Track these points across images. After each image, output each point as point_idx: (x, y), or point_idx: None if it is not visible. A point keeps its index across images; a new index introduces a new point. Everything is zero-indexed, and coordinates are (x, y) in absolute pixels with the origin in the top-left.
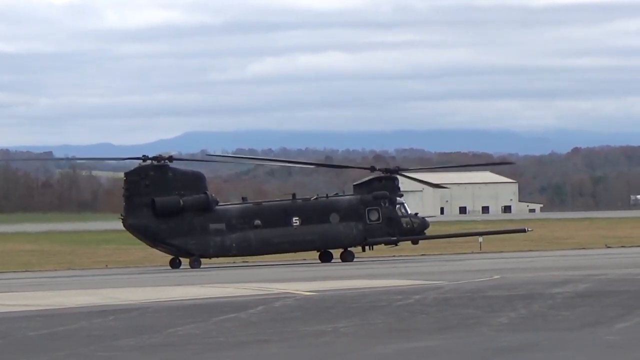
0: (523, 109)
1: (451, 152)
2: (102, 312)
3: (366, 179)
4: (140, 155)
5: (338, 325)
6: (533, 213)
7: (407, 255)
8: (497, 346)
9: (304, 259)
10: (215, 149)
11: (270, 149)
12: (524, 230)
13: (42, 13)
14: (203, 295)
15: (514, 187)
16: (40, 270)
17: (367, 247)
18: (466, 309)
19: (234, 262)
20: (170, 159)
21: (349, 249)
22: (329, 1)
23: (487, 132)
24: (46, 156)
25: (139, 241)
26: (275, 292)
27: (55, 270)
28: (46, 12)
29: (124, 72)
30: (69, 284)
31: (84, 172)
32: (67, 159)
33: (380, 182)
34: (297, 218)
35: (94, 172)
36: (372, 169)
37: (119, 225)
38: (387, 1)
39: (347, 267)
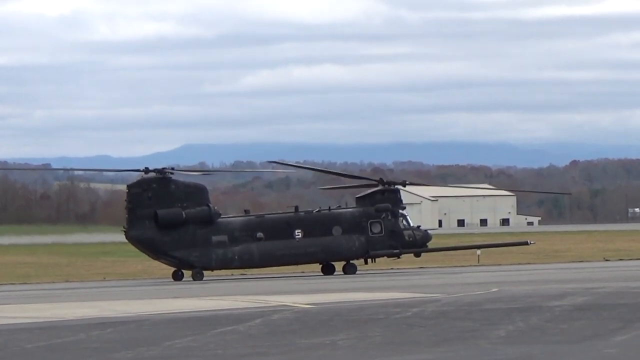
0: (519, 122)
1: (450, 165)
2: (100, 324)
3: (369, 191)
4: (141, 168)
5: (336, 338)
6: (531, 226)
7: (405, 268)
8: (495, 359)
9: (302, 272)
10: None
11: (268, 162)
12: (526, 243)
13: (34, 25)
14: (201, 308)
15: (512, 200)
16: (38, 283)
17: (369, 260)
18: (464, 322)
19: (232, 275)
20: (171, 171)
21: (351, 261)
22: (320, 14)
23: (484, 145)
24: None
25: (137, 253)
26: (274, 304)
27: (53, 282)
28: (37, 23)
29: (119, 84)
30: (67, 297)
31: (82, 184)
32: (66, 169)
33: (383, 194)
34: (299, 230)
35: (92, 184)
36: (381, 181)
37: (117, 237)
38: (378, 14)
39: (346, 280)
